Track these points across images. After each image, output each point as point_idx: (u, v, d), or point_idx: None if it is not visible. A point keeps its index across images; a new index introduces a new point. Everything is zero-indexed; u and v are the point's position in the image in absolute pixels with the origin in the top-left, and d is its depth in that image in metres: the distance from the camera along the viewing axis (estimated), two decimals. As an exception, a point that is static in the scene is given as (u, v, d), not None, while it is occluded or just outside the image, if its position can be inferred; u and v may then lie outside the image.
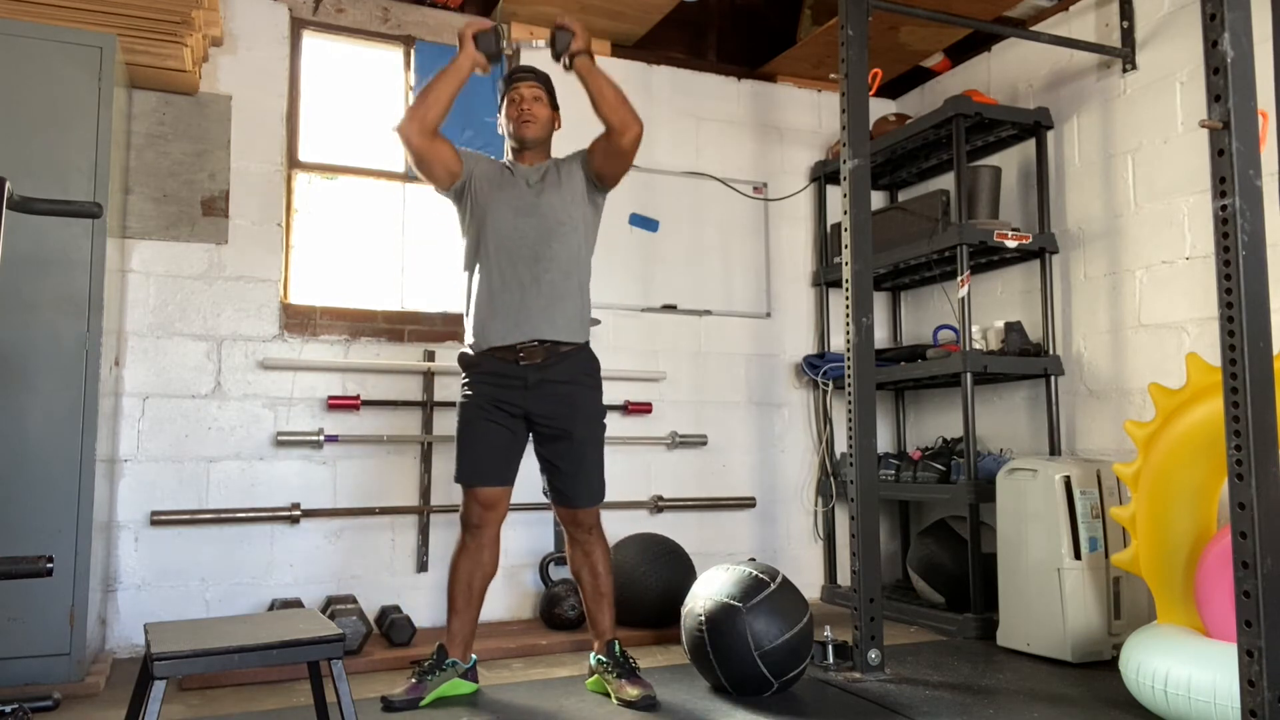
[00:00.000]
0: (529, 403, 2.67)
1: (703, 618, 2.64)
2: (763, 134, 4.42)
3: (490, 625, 3.58)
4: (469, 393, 2.71)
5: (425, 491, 3.61)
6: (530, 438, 2.75)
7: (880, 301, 4.58)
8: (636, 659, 2.74)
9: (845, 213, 2.97)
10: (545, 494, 2.80)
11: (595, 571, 2.76)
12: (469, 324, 2.73)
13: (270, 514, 3.41)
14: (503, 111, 2.82)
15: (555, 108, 2.84)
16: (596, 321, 3.86)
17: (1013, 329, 3.67)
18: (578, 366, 2.73)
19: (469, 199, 2.74)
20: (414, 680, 2.60)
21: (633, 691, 2.56)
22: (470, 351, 2.72)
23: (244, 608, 3.36)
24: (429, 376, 3.68)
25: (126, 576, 3.26)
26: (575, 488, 2.72)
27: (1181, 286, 3.27)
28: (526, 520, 3.77)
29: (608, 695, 2.65)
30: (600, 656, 2.71)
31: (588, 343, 2.77)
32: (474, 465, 2.67)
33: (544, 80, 2.81)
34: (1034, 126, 3.74)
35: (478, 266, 2.71)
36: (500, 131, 2.87)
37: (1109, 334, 3.53)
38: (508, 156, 2.86)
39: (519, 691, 2.73)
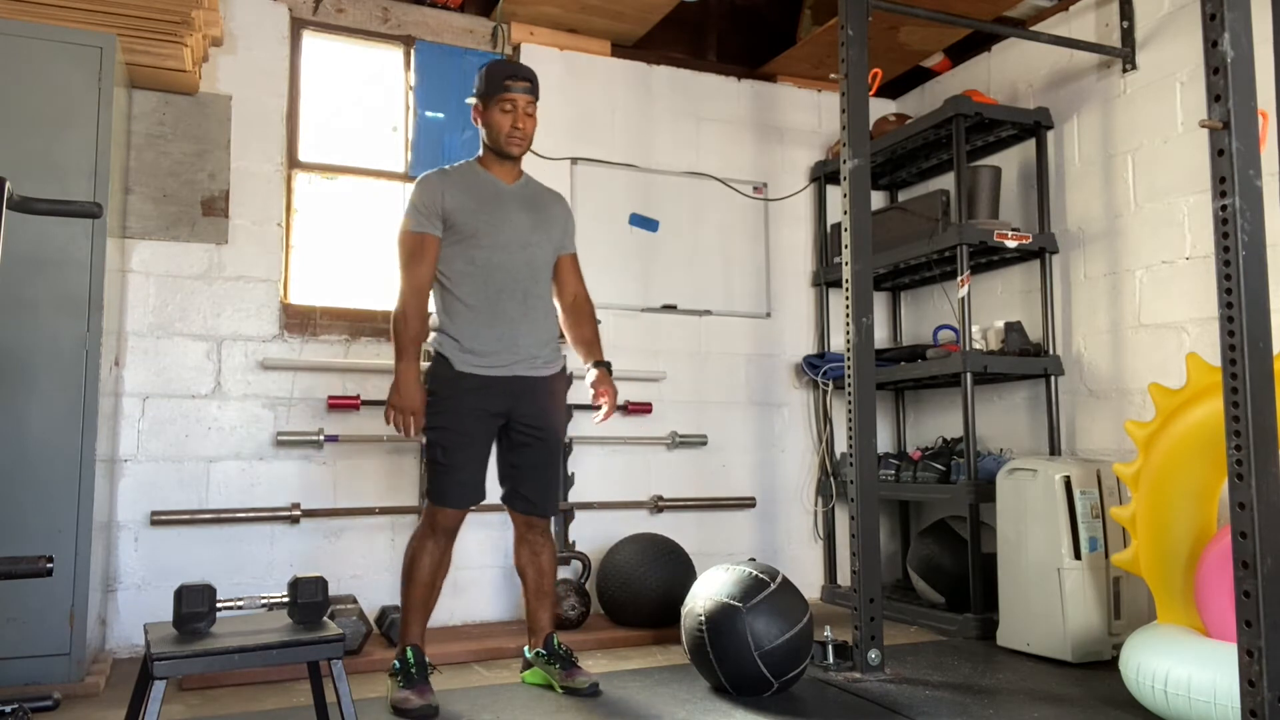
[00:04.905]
0: (514, 405, 2.66)
1: (703, 618, 2.64)
2: (763, 134, 4.42)
3: (490, 625, 3.59)
4: (451, 405, 2.61)
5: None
6: (503, 441, 2.73)
7: (880, 301, 4.58)
8: (575, 651, 2.84)
9: (845, 213, 2.97)
10: (505, 501, 2.77)
11: (542, 570, 2.79)
12: (447, 343, 2.65)
13: (270, 514, 3.41)
14: (487, 112, 2.68)
15: None
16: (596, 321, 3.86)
17: (1013, 329, 3.67)
18: (558, 378, 2.79)
19: (451, 227, 2.65)
20: (417, 686, 2.50)
21: (581, 680, 2.66)
22: (444, 358, 2.64)
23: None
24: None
25: (126, 576, 3.26)
26: (545, 495, 2.75)
27: (1181, 286, 3.27)
28: (526, 520, 3.77)
29: (549, 686, 2.74)
30: (539, 650, 2.77)
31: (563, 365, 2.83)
32: (466, 488, 2.62)
33: (538, 91, 2.71)
34: (1034, 126, 3.74)
35: (462, 288, 2.65)
36: (479, 123, 2.71)
37: (1109, 334, 3.53)
38: (477, 162, 2.76)
39: (519, 691, 2.73)
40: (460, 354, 2.62)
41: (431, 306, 2.71)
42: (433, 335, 2.70)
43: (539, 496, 2.73)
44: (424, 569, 2.63)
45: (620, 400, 3.97)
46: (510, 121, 2.66)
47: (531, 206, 2.75)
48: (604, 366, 2.84)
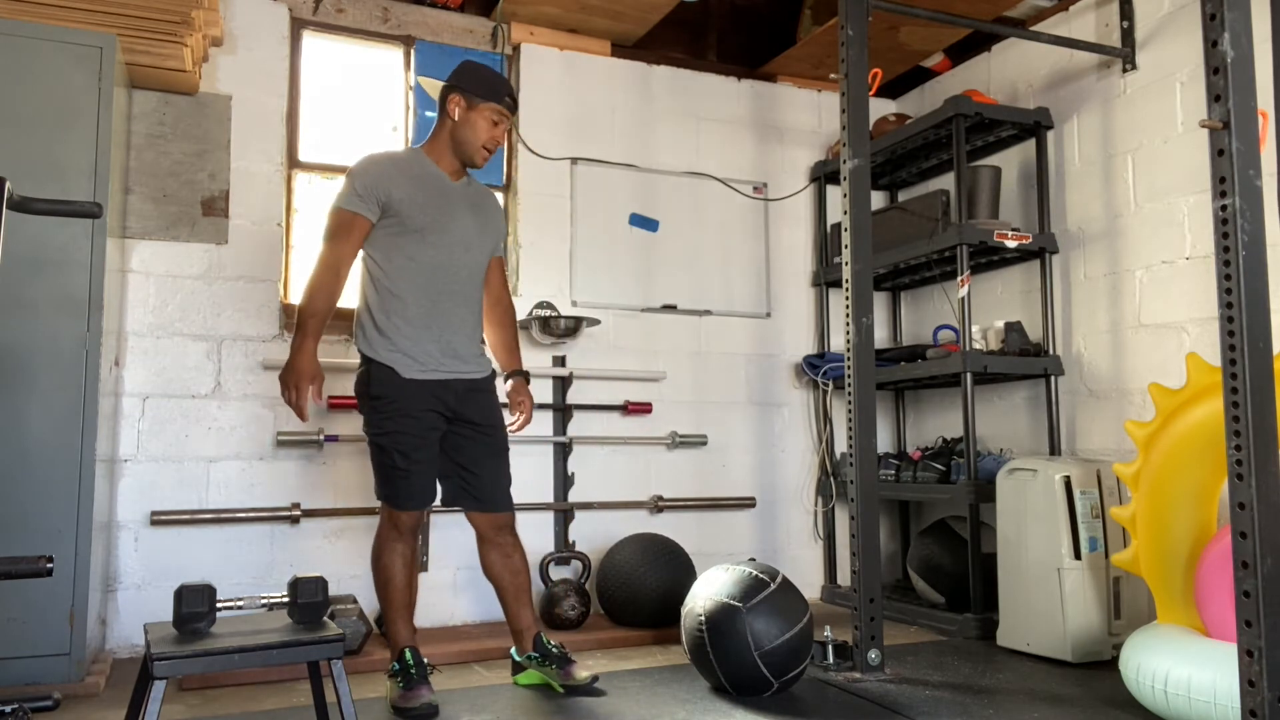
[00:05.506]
0: (458, 406, 2.66)
1: (703, 618, 2.64)
2: (763, 134, 4.42)
3: (491, 625, 3.59)
4: (400, 408, 2.57)
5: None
6: (447, 441, 2.69)
7: (880, 301, 4.58)
8: (567, 650, 2.77)
9: (845, 213, 2.97)
10: (447, 503, 2.73)
11: (516, 570, 2.74)
12: (385, 347, 2.60)
13: (270, 514, 3.41)
14: (471, 112, 2.63)
15: None
16: (596, 321, 3.87)
17: (1013, 329, 3.67)
18: (490, 379, 2.77)
19: (394, 217, 2.60)
20: (417, 686, 2.50)
21: (582, 675, 2.63)
22: (387, 366, 2.59)
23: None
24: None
25: (126, 576, 3.26)
26: (496, 490, 2.71)
27: (1181, 286, 3.27)
28: (525, 520, 3.77)
29: (547, 686, 2.71)
30: (531, 653, 2.72)
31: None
32: (427, 490, 2.64)
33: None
34: (1034, 126, 3.74)
35: (402, 286, 2.61)
36: (455, 117, 2.66)
37: (1109, 334, 3.53)
38: (424, 152, 2.71)
39: (518, 691, 2.73)
40: (403, 359, 2.59)
41: (354, 301, 2.70)
42: (366, 333, 2.64)
43: (488, 493, 2.69)
44: (398, 571, 2.64)
45: (620, 400, 3.98)
46: (494, 135, 2.67)
47: (476, 209, 2.74)
48: (522, 376, 2.87)
